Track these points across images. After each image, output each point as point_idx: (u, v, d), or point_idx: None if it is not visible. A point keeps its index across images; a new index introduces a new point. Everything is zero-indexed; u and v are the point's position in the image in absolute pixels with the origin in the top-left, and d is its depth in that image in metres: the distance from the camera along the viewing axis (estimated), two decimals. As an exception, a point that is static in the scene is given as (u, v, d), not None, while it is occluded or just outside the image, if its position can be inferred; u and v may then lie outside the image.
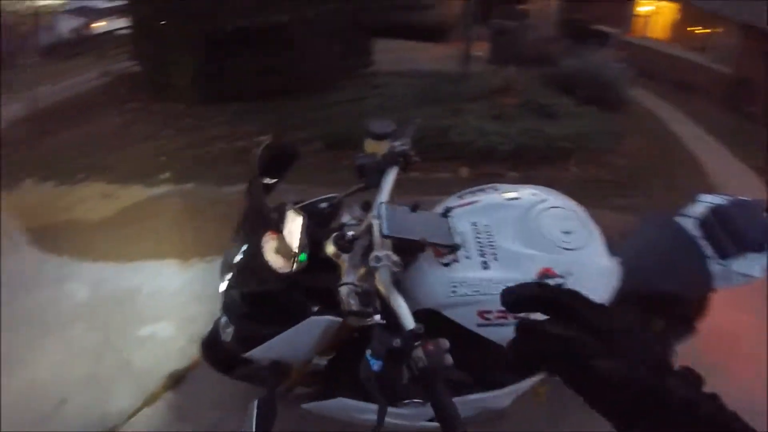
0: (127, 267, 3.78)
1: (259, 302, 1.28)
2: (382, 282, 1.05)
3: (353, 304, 1.03)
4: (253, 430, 0.98)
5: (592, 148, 4.56)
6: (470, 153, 4.28)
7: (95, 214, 4.99)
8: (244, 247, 1.24)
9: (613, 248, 1.40)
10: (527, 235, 1.26)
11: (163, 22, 6.63)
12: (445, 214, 1.30)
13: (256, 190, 1.31)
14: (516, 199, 1.36)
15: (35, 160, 7.20)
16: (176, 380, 2.59)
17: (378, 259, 1.05)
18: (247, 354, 1.27)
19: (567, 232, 1.27)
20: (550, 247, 1.24)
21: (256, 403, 1.04)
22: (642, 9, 13.94)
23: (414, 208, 1.23)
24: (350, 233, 1.19)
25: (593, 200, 3.33)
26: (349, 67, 5.95)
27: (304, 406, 1.33)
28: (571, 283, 1.16)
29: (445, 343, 0.87)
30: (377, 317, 1.00)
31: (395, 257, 1.07)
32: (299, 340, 1.22)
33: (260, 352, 1.26)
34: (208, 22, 5.80)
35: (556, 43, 9.02)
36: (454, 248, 1.21)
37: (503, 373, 1.32)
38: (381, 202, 1.24)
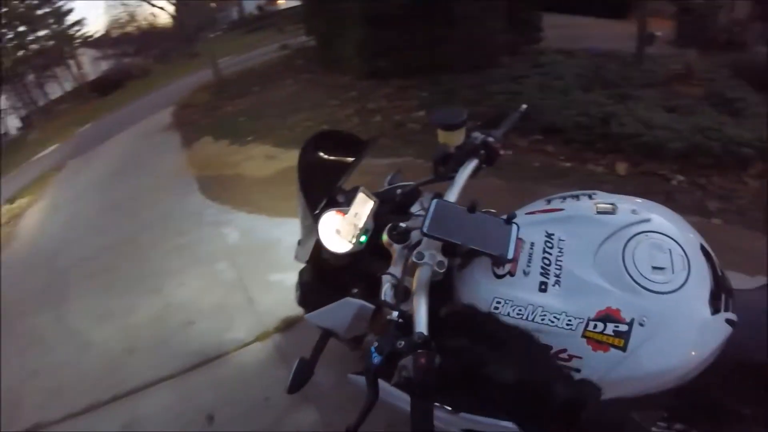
0: (275, 221, 4.12)
1: (312, 273, 1.36)
2: (418, 279, 1.02)
3: (388, 295, 1.03)
4: (288, 385, 1.15)
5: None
6: (632, 147, 3.67)
7: (257, 172, 5.48)
8: (308, 221, 1.27)
9: (734, 300, 1.03)
10: (605, 263, 1.01)
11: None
12: (510, 220, 1.09)
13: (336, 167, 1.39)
14: (609, 213, 1.09)
15: (215, 120, 8.08)
16: (288, 325, 2.84)
17: (421, 255, 1.04)
18: (305, 317, 1.36)
19: (658, 269, 0.98)
20: (629, 283, 0.97)
21: (297, 362, 1.18)
22: None
23: (471, 209, 1.08)
24: (403, 225, 1.14)
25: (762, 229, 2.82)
26: (515, 42, 5.60)
27: (349, 375, 1.27)
28: (640, 333, 0.93)
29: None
30: (395, 314, 0.96)
31: (440, 257, 1.05)
32: (336, 317, 1.24)
33: (310, 318, 1.33)
34: (374, -1, 5.88)
35: (753, 27, 7.57)
36: (500, 259, 1.03)
37: (511, 406, 1.06)
38: (433, 198, 1.13)
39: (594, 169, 3.61)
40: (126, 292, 3.85)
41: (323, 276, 1.32)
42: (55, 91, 34.10)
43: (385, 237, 1.14)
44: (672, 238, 1.03)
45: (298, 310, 2.51)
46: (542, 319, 0.96)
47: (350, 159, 1.43)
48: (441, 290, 1.07)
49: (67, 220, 6.49)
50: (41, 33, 31.36)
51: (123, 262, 4.44)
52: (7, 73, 29.42)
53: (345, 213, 1.20)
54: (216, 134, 7.30)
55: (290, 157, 5.28)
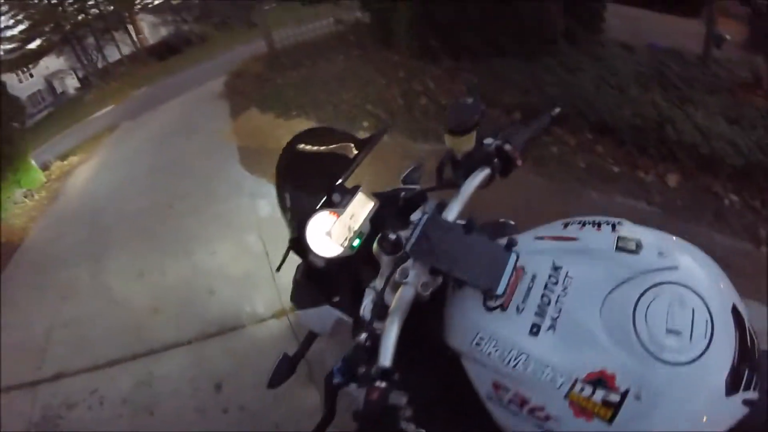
0: (309, 198, 4.12)
1: (303, 272, 1.23)
2: (397, 299, 0.93)
3: (367, 309, 0.98)
4: (268, 379, 1.11)
5: None
6: (687, 158, 3.46)
7: (297, 147, 5.51)
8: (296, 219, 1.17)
9: (760, 376, 0.86)
10: (612, 314, 0.86)
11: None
12: (511, 246, 0.97)
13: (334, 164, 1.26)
14: (631, 252, 0.93)
15: (264, 92, 8.21)
16: (304, 307, 2.85)
17: (405, 273, 0.94)
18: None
19: (674, 332, 0.82)
20: (634, 345, 0.82)
21: (281, 356, 1.14)
22: None
23: (468, 229, 0.98)
24: (392, 236, 1.03)
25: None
26: (574, 30, 5.37)
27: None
28: (633, 407, 0.79)
29: (401, 399, 0.79)
30: (363, 335, 0.89)
31: (426, 278, 0.94)
32: (316, 322, 1.18)
33: (298, 317, 1.29)
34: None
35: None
36: (488, 294, 0.92)
37: None
38: (425, 212, 1.04)
39: (644, 177, 3.44)
40: (159, 254, 4.02)
41: (313, 277, 1.22)
42: (113, 54, 35.49)
43: (375, 246, 1.05)
44: (699, 295, 0.86)
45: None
46: (525, 368, 0.85)
47: (350, 155, 1.31)
48: (432, 310, 1.00)
49: (113, 180, 6.80)
50: None
51: (161, 224, 4.62)
52: (67, 35, 31.07)
53: (339, 214, 1.13)
54: (263, 106, 7.39)
55: (332, 135, 5.35)
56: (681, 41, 5.68)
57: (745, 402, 0.82)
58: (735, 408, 0.81)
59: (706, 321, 0.83)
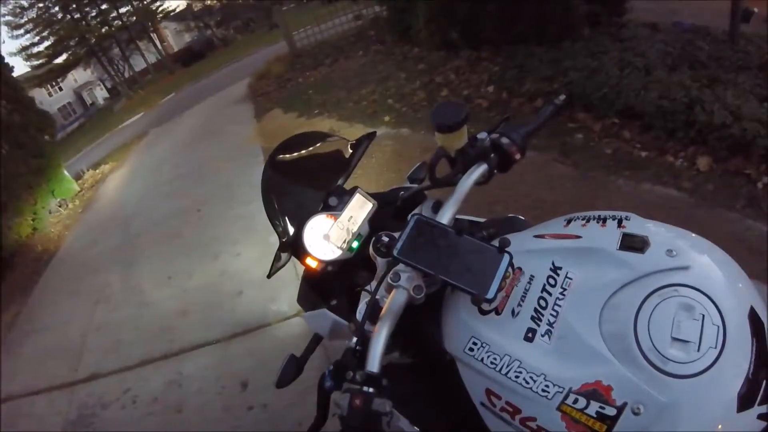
0: (331, 197, 4.20)
1: (307, 274, 1.23)
2: (389, 303, 0.90)
3: (362, 313, 0.96)
4: (275, 380, 1.11)
5: None
6: (718, 140, 3.30)
7: (319, 146, 5.58)
8: (294, 222, 1.19)
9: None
10: (613, 320, 0.79)
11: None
12: (503, 248, 0.91)
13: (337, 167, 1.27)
14: (636, 250, 0.84)
15: (286, 92, 8.33)
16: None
17: (397, 276, 0.91)
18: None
19: (680, 341, 0.74)
20: (634, 355, 0.74)
21: (288, 357, 1.13)
22: None
23: (459, 231, 0.94)
24: (386, 238, 1.05)
25: None
26: (597, 13, 5.24)
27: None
28: (630, 423, 0.72)
29: (385, 405, 0.77)
30: (354, 339, 0.88)
31: (419, 281, 0.91)
32: (317, 324, 1.17)
33: (303, 318, 1.25)
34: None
35: None
36: (477, 298, 0.87)
37: None
38: (414, 214, 1.00)
39: (673, 161, 3.35)
40: (187, 258, 4.14)
41: (311, 280, 1.24)
42: (139, 63, 36.50)
43: (370, 248, 1.07)
44: (711, 299, 0.77)
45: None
46: (516, 376, 0.80)
47: (341, 156, 1.32)
48: (430, 313, 0.99)
49: (143, 186, 7.03)
50: (123, 10, 33.82)
51: (188, 228, 4.76)
52: (93, 48, 32.05)
53: (337, 217, 1.13)
54: (286, 106, 7.52)
55: (352, 132, 5.36)
56: (707, 17, 5.49)
57: (762, 417, 0.73)
58: (749, 424, 0.73)
59: (717, 329, 0.75)
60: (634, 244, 0.85)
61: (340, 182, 1.25)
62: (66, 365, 3.36)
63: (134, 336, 3.37)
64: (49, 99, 34.17)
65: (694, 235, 0.90)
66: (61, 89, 36.76)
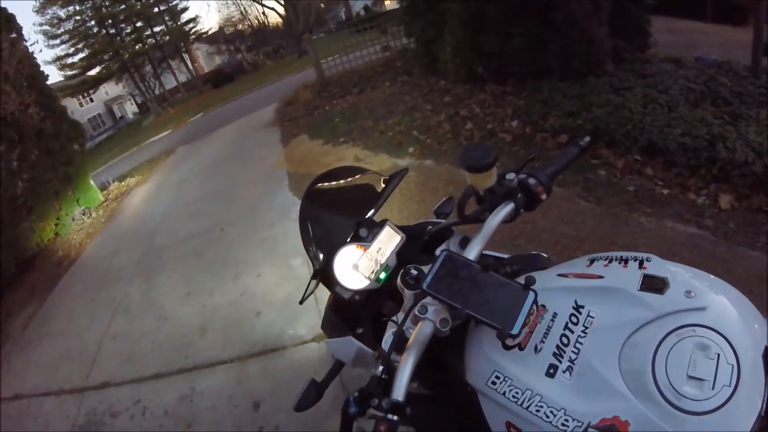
0: (354, 223, 4.25)
1: (333, 302, 1.29)
2: (416, 334, 0.94)
3: (388, 342, 0.99)
4: (294, 404, 1.10)
5: None
6: (740, 177, 3.31)
7: (344, 174, 5.64)
8: (326, 251, 1.23)
9: None
10: (631, 358, 0.82)
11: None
12: (529, 286, 0.95)
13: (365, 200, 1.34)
14: (656, 291, 0.87)
15: (313, 119, 8.47)
16: (346, 333, 2.95)
17: (424, 309, 0.95)
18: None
19: (696, 379, 0.77)
20: (651, 392, 0.78)
21: (309, 381, 1.12)
22: None
23: (485, 268, 0.99)
24: (414, 271, 1.07)
25: None
26: (621, 48, 5.27)
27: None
28: None
29: None
30: (380, 368, 0.91)
31: (445, 314, 0.95)
32: (341, 351, 1.19)
33: (327, 345, 1.28)
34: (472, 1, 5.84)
35: None
36: (502, 333, 0.90)
37: None
38: (442, 249, 1.06)
39: (695, 199, 3.35)
40: (208, 276, 4.18)
41: (338, 308, 1.28)
42: (170, 81, 37.53)
43: (398, 280, 1.09)
44: (727, 339, 0.80)
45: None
46: (537, 410, 0.83)
47: (374, 190, 1.38)
48: (454, 345, 1.01)
49: (168, 202, 7.13)
50: (157, 29, 34.99)
51: (211, 247, 4.80)
52: (126, 64, 33.06)
53: (366, 248, 1.18)
54: (312, 133, 7.64)
55: (376, 162, 5.45)
56: (730, 51, 5.48)
57: None
58: None
59: (732, 368, 0.78)
60: (654, 285, 0.88)
61: (370, 214, 1.31)
62: (78, 371, 3.42)
63: (149, 348, 3.40)
64: (80, 109, 35.20)
65: (712, 276, 0.92)
66: (92, 100, 37.87)
